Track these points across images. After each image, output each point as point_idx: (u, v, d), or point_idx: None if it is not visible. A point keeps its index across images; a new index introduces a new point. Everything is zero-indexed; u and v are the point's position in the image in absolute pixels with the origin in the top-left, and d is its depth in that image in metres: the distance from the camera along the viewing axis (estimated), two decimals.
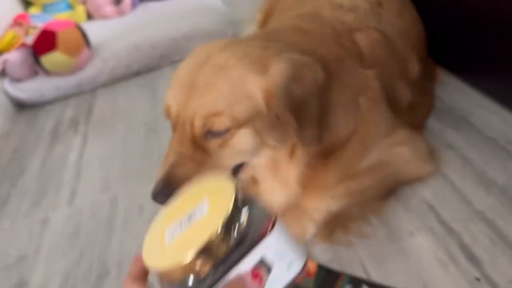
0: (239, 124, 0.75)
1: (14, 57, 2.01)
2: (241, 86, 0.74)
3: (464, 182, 0.97)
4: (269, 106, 0.75)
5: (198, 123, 0.74)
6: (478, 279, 0.78)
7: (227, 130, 0.75)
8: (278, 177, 0.88)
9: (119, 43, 2.10)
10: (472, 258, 0.81)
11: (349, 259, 0.88)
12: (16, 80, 2.05)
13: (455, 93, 1.24)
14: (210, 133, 0.75)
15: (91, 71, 2.04)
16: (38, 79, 2.05)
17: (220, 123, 0.74)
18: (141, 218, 1.15)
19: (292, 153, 0.85)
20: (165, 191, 0.73)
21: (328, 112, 0.85)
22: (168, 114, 0.79)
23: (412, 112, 1.12)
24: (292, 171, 0.87)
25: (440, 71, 1.34)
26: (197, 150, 0.75)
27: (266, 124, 0.77)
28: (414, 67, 1.18)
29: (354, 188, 0.93)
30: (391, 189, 0.98)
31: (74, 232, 1.17)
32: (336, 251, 0.88)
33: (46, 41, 1.96)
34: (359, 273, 0.85)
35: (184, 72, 0.77)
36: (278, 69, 0.75)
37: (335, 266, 0.87)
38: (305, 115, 0.78)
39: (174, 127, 0.78)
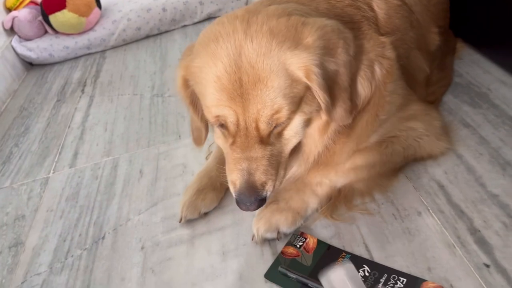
0: (295, 109, 0.73)
1: (23, 14, 1.97)
2: (286, 72, 0.70)
3: (479, 163, 0.91)
4: (310, 81, 0.71)
5: (264, 126, 0.72)
6: (487, 266, 0.73)
7: (288, 118, 0.73)
8: (301, 152, 0.84)
9: (130, 4, 2.04)
10: (482, 243, 0.77)
11: (351, 237, 0.84)
12: (25, 38, 2.01)
13: (475, 68, 1.17)
14: (274, 128, 0.73)
15: (101, 32, 2.00)
16: (47, 38, 2.01)
17: (283, 117, 0.72)
18: (140, 183, 1.12)
19: (323, 130, 0.81)
20: (251, 199, 0.74)
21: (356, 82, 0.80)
22: (223, 123, 0.74)
23: (429, 86, 1.06)
24: (316, 147, 0.83)
25: (460, 45, 1.26)
26: (263, 147, 0.73)
27: (309, 102, 0.74)
28: (434, 39, 1.11)
29: (361, 163, 0.88)
30: (400, 166, 0.93)
31: (74, 194, 1.15)
32: (338, 228, 0.85)
33: None
34: (361, 251, 0.81)
35: (221, 73, 0.70)
36: (311, 42, 0.71)
37: (336, 243, 0.84)
38: (338, 88, 0.74)
39: (235, 134, 0.74)
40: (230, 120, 0.72)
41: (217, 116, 0.73)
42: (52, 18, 1.92)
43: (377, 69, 0.83)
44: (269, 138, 0.74)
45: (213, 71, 0.70)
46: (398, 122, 0.91)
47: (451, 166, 0.92)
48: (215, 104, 0.72)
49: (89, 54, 2.03)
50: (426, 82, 1.05)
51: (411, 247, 0.79)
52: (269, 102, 0.69)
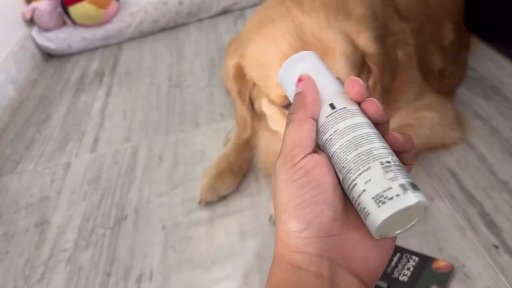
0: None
1: (43, 5, 2.02)
2: (349, 40, 0.71)
3: (490, 152, 0.94)
4: (367, 48, 0.74)
5: None
6: (496, 247, 0.76)
7: None
8: None
9: None
10: (492, 226, 0.80)
11: None
12: (44, 29, 2.06)
13: (488, 62, 1.20)
14: None
15: (118, 24, 2.04)
16: (65, 29, 2.06)
17: None
18: (160, 168, 1.17)
19: None
20: None
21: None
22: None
23: (443, 78, 1.09)
24: None
25: (474, 40, 1.29)
26: None
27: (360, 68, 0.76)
28: (448, 34, 1.14)
29: None
30: (413, 154, 0.96)
31: (96, 177, 1.20)
32: None
33: None
34: None
35: (287, 49, 0.71)
36: (361, 12, 0.73)
37: None
38: (385, 53, 0.77)
39: None
40: None
41: (282, 96, 0.74)
42: (72, 9, 1.97)
43: (399, 53, 0.86)
44: None
45: (277, 50, 0.71)
46: (413, 111, 0.94)
47: (463, 155, 0.95)
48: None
49: (107, 45, 2.08)
50: (440, 74, 1.08)
51: (423, 229, 0.82)
52: (340, 70, 0.71)
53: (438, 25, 1.11)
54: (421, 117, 0.95)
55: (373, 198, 0.33)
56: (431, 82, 1.01)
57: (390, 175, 0.33)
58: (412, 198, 0.33)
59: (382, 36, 0.77)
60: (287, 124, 0.37)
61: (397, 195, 0.32)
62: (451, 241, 0.79)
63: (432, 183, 0.91)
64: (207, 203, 1.00)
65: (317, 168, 0.35)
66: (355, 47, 0.73)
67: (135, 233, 0.99)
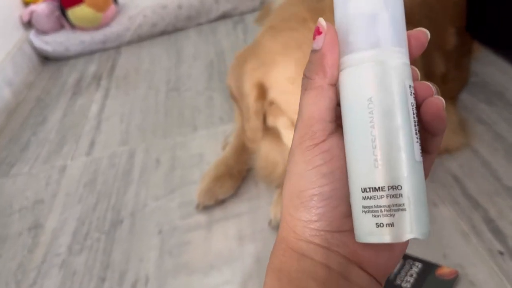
0: None
1: (41, 8, 2.00)
2: None
3: (494, 157, 0.93)
4: None
5: None
6: (501, 253, 0.75)
7: None
8: None
9: (146, 1, 2.07)
10: (497, 232, 0.78)
11: None
12: (42, 32, 2.05)
13: (491, 68, 1.19)
14: None
15: (116, 28, 2.03)
16: (63, 33, 2.04)
17: None
18: (157, 171, 1.14)
19: None
20: None
21: None
22: None
23: (445, 84, 1.08)
24: None
25: (476, 46, 1.28)
26: None
27: None
28: (450, 39, 1.13)
29: None
30: None
31: (91, 181, 1.18)
32: None
33: None
34: None
35: None
36: None
37: None
38: None
39: None
40: None
41: None
42: (70, 12, 1.96)
43: None
44: None
45: None
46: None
47: (467, 160, 0.94)
48: None
49: (105, 49, 2.06)
50: (442, 79, 1.07)
51: None
52: None
53: (441, 29, 1.10)
54: None
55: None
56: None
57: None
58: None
59: None
60: (303, 90, 0.32)
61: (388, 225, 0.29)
62: (455, 247, 0.77)
63: (435, 189, 0.89)
64: (205, 207, 0.98)
65: (342, 155, 0.30)
66: None
67: (131, 237, 0.97)
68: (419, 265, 0.75)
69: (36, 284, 0.91)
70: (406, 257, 0.77)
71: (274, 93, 0.77)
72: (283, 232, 0.33)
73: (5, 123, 1.58)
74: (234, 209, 0.97)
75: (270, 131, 0.90)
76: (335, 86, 0.31)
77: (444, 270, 0.74)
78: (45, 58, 2.08)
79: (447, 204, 0.85)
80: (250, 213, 0.95)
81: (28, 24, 2.04)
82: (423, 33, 0.32)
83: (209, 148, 1.19)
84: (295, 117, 0.75)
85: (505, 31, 1.18)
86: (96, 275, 0.90)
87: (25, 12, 2.00)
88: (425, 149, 0.31)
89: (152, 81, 1.66)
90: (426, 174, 0.32)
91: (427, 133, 0.31)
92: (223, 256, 0.87)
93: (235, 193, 1.00)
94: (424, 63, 0.95)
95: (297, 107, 0.33)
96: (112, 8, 2.00)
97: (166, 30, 2.05)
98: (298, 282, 0.31)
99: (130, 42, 2.06)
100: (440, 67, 1.05)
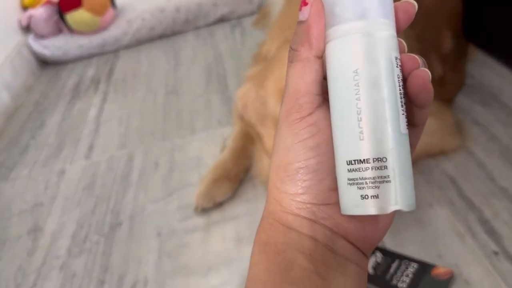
0: None
1: (39, 13, 2.01)
2: None
3: (489, 158, 0.94)
4: None
5: None
6: (496, 253, 0.75)
7: None
8: None
9: (144, 4, 2.08)
10: (492, 232, 0.79)
11: None
12: (40, 36, 2.06)
13: (486, 70, 1.20)
14: None
15: (115, 32, 2.04)
16: (62, 37, 2.05)
17: None
18: (155, 174, 1.15)
19: None
20: None
21: None
22: None
23: (442, 86, 1.09)
24: None
25: (472, 48, 1.29)
26: None
27: None
28: (447, 42, 1.14)
29: None
30: (412, 160, 0.96)
31: (90, 184, 1.18)
32: None
33: None
34: None
35: None
36: None
37: None
38: None
39: None
40: None
41: None
42: (68, 16, 1.96)
43: None
44: None
45: None
46: None
47: (462, 162, 0.95)
48: None
49: (103, 53, 2.07)
50: (439, 82, 1.08)
51: (423, 236, 0.81)
52: None
53: (437, 33, 1.11)
54: None
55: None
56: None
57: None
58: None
59: None
60: (289, 62, 0.32)
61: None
62: (450, 247, 0.78)
63: (431, 190, 0.90)
64: (203, 210, 0.99)
65: (328, 128, 0.30)
66: None
67: (130, 239, 0.98)
68: (415, 265, 0.76)
69: (35, 286, 0.92)
70: (402, 258, 0.78)
71: None
72: (269, 206, 0.33)
73: (4, 127, 1.59)
74: (232, 211, 0.98)
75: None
76: (322, 59, 0.31)
77: (440, 270, 0.74)
78: (43, 62, 2.08)
79: (443, 205, 0.86)
80: (248, 215, 0.96)
81: (27, 29, 2.05)
82: (411, 5, 0.32)
83: (208, 151, 1.20)
84: None
85: (501, 34, 1.19)
86: (96, 277, 0.90)
87: (24, 17, 2.01)
88: (412, 122, 0.31)
89: (151, 85, 1.67)
90: (413, 148, 0.32)
91: (413, 105, 0.31)
92: (221, 257, 0.88)
93: (233, 195, 1.01)
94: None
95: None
96: (110, 12, 2.01)
97: (164, 34, 2.06)
98: (284, 254, 0.31)
99: (128, 46, 2.07)
100: (437, 69, 1.07)
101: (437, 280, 0.73)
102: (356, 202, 0.29)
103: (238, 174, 1.03)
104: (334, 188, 0.31)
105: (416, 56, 0.31)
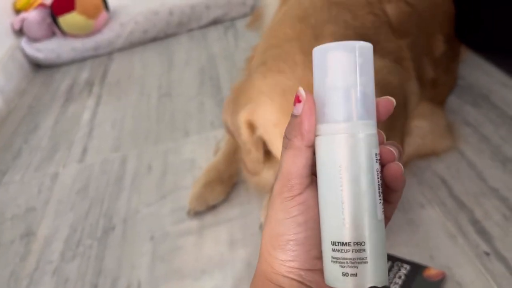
0: None
1: (32, 16, 2.01)
2: None
3: (480, 159, 0.94)
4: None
5: None
6: (487, 254, 0.76)
7: None
8: None
9: (138, 7, 2.08)
10: (483, 233, 0.79)
11: None
12: (33, 39, 2.05)
13: (477, 71, 1.21)
14: None
15: (108, 35, 2.03)
16: (55, 40, 2.05)
17: None
18: (149, 177, 1.15)
19: None
20: None
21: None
22: None
23: (434, 88, 1.10)
24: None
25: (463, 49, 1.30)
26: None
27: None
28: (439, 46, 1.15)
29: None
30: (404, 162, 0.96)
31: (84, 187, 1.18)
32: None
33: (64, 1, 1.95)
34: None
35: None
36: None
37: None
38: (392, 130, 0.77)
39: None
40: None
41: None
42: (61, 19, 1.96)
43: (398, 68, 0.87)
44: None
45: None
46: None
47: (453, 162, 0.95)
48: None
49: (96, 56, 2.07)
50: (431, 84, 1.08)
51: (414, 237, 0.82)
52: None
53: (430, 37, 1.11)
54: (412, 126, 0.95)
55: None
56: (423, 91, 1.01)
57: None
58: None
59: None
60: (283, 148, 0.36)
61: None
62: (442, 248, 0.79)
63: (423, 190, 0.91)
64: (197, 213, 0.99)
65: (316, 206, 0.35)
66: None
67: (123, 243, 0.97)
68: (407, 267, 0.76)
69: None
70: (394, 259, 0.78)
71: (261, 131, 0.80)
72: (262, 266, 0.38)
73: None
74: (225, 214, 0.98)
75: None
76: (312, 147, 0.35)
77: (432, 272, 0.75)
78: (36, 66, 2.08)
79: (434, 205, 0.87)
80: (241, 218, 0.96)
81: (20, 32, 2.05)
82: (390, 102, 0.36)
83: (201, 153, 1.20)
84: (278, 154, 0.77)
85: (494, 36, 1.20)
86: (89, 281, 0.90)
87: (16, 20, 2.01)
88: (387, 200, 0.36)
89: (144, 87, 1.67)
90: (388, 219, 0.37)
91: (389, 189, 0.36)
92: (214, 261, 0.88)
93: (226, 198, 1.01)
94: (415, 68, 0.97)
95: (280, 148, 0.37)
96: (104, 15, 2.01)
97: (158, 36, 2.06)
98: None
99: (121, 49, 2.06)
100: (430, 73, 1.07)
101: (429, 282, 0.74)
102: (337, 277, 0.33)
103: (231, 176, 1.03)
104: (319, 257, 0.35)
105: (393, 149, 0.35)
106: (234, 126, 0.85)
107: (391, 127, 0.77)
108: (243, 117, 0.79)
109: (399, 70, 0.88)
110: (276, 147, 0.78)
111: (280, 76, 0.74)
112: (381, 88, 0.73)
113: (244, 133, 0.82)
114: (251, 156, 0.86)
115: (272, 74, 0.75)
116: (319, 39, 0.78)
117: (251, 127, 0.79)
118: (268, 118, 0.75)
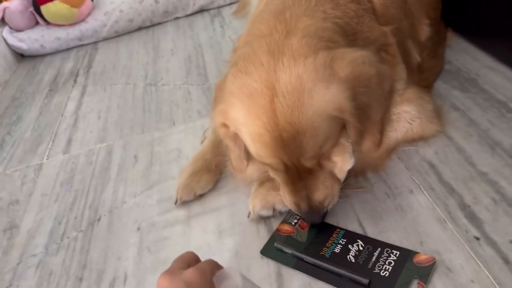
0: (336, 140, 0.77)
1: (14, 5, 1.96)
2: (322, 118, 0.70)
3: (468, 143, 0.93)
4: (344, 117, 0.72)
5: (308, 164, 0.75)
6: (477, 238, 0.75)
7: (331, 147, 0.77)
8: None
9: None
10: (472, 217, 0.79)
11: (345, 214, 0.86)
12: (16, 29, 2.01)
13: (464, 55, 1.20)
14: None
15: (92, 24, 2.00)
16: (38, 29, 2.01)
17: (326, 151, 0.76)
18: (135, 167, 1.13)
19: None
20: (317, 215, 0.79)
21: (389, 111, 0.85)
22: (272, 167, 0.79)
23: (421, 73, 1.09)
24: None
25: (450, 33, 1.29)
26: (315, 175, 0.77)
27: (351, 130, 0.75)
28: (424, 30, 1.13)
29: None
30: (392, 147, 0.95)
31: (68, 179, 1.16)
32: (333, 206, 0.86)
33: None
34: (355, 228, 0.83)
35: (262, 131, 0.71)
36: (343, 77, 0.71)
37: (331, 220, 0.85)
38: (369, 121, 0.76)
39: (285, 171, 0.77)
40: (277, 165, 0.76)
41: (264, 164, 0.78)
42: (44, 8, 1.92)
43: (383, 55, 0.86)
44: (319, 165, 0.77)
45: (254, 128, 0.72)
46: (393, 106, 0.92)
47: (442, 147, 0.94)
48: (261, 156, 0.75)
49: (81, 45, 2.03)
50: (418, 69, 1.07)
51: (404, 223, 0.81)
52: (310, 148, 0.72)
53: (415, 21, 1.10)
54: (400, 111, 0.93)
55: None
56: (410, 76, 1.00)
57: None
58: None
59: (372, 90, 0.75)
60: None
61: None
62: (432, 234, 0.78)
63: (411, 175, 0.90)
64: (184, 203, 0.97)
65: None
66: (333, 119, 0.72)
67: (109, 235, 0.96)
68: (397, 253, 0.76)
69: (12, 286, 0.90)
70: (384, 246, 0.78)
71: (232, 129, 0.79)
72: None
73: None
74: (213, 203, 0.97)
75: None
76: None
77: (421, 257, 0.74)
78: (20, 56, 2.04)
79: (423, 191, 0.86)
80: (229, 207, 0.95)
81: (1, 21, 2.00)
82: None
83: (187, 143, 1.18)
84: (253, 154, 0.77)
85: (481, 19, 1.19)
86: (74, 275, 0.88)
87: None
88: None
89: (130, 76, 1.64)
90: None
91: None
92: (202, 251, 0.85)
93: (214, 187, 1.00)
94: (401, 53, 0.95)
95: (252, 149, 0.37)
96: (88, 3, 1.97)
97: (143, 25, 2.03)
98: None
99: (106, 38, 2.03)
100: (416, 58, 1.06)
101: (419, 267, 0.73)
102: None
103: (219, 165, 1.02)
104: None
105: None
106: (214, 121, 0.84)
107: (368, 118, 0.75)
108: (217, 117, 0.79)
109: (381, 59, 0.86)
110: (248, 145, 0.77)
111: (248, 77, 0.74)
112: (354, 79, 0.73)
113: (221, 132, 0.82)
114: (234, 155, 0.85)
115: (240, 75, 0.75)
116: (290, 36, 0.76)
117: (226, 126, 0.79)
118: (237, 119, 0.75)
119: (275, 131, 0.70)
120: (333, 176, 0.80)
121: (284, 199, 0.81)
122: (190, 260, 0.66)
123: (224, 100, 0.77)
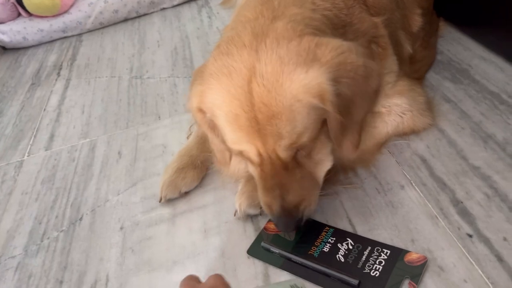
0: (316, 133, 0.72)
1: None
2: (300, 104, 0.67)
3: (460, 136, 0.91)
4: (325, 105, 0.68)
5: (284, 154, 0.70)
6: (470, 236, 0.73)
7: (311, 142, 0.72)
8: None
9: None
10: (465, 214, 0.76)
11: (334, 212, 0.83)
12: None
13: (456, 45, 1.17)
14: (298, 151, 0.72)
15: (76, 15, 1.94)
16: (20, 21, 1.95)
17: (303, 143, 0.71)
18: (118, 164, 1.10)
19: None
20: (291, 220, 0.73)
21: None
22: (247, 156, 0.74)
23: (413, 64, 1.06)
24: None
25: (441, 23, 1.26)
26: (291, 172, 0.72)
27: (332, 124, 0.71)
28: (416, 20, 1.10)
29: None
30: (383, 141, 0.93)
31: (50, 176, 1.12)
32: (321, 203, 0.83)
33: None
34: (344, 226, 0.80)
35: (238, 111, 0.68)
36: (325, 62, 0.68)
37: (319, 218, 0.82)
38: (350, 118, 0.72)
39: (260, 163, 0.73)
40: (252, 153, 0.72)
41: (239, 151, 0.73)
42: None
43: (374, 48, 0.83)
44: (295, 162, 0.73)
45: (230, 109, 0.69)
46: (384, 99, 0.90)
47: (433, 140, 0.92)
48: (235, 141, 0.72)
49: (65, 37, 1.98)
50: (410, 60, 1.04)
51: (394, 219, 0.78)
52: (286, 134, 0.68)
53: (406, 11, 1.07)
54: (391, 104, 0.91)
55: None
56: (402, 68, 0.97)
57: None
58: None
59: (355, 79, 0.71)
60: None
61: None
62: (423, 231, 0.75)
63: (402, 170, 0.87)
64: (168, 200, 0.94)
65: None
66: (312, 107, 0.68)
67: (91, 234, 0.92)
68: (387, 252, 0.73)
69: None
70: (374, 244, 0.75)
71: (208, 115, 0.76)
72: None
73: None
74: (198, 201, 0.94)
75: None
76: None
77: (413, 256, 0.72)
78: (2, 48, 1.98)
79: (415, 186, 0.83)
80: (215, 204, 0.92)
81: None
82: None
83: (173, 138, 1.14)
84: (227, 140, 0.73)
85: (470, 8, 1.16)
86: (54, 277, 0.85)
87: None
88: None
89: (115, 69, 1.59)
90: None
91: None
92: (186, 250, 0.84)
93: (200, 184, 0.97)
94: (392, 44, 0.92)
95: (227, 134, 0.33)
96: None
97: (129, 17, 1.98)
98: None
99: (91, 30, 1.98)
100: (408, 49, 1.03)
101: (411, 267, 0.70)
102: None
103: (205, 161, 0.99)
104: None
105: None
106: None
107: (349, 114, 0.72)
108: (193, 102, 0.76)
109: (371, 53, 0.83)
110: (224, 131, 0.73)
111: (228, 58, 0.71)
112: (337, 65, 0.69)
113: (197, 118, 0.78)
114: (216, 146, 0.82)
115: (221, 56, 0.72)
116: (276, 21, 0.73)
117: (202, 111, 0.75)
118: (213, 102, 0.72)
119: (251, 111, 0.68)
120: (312, 179, 0.75)
121: (260, 200, 0.76)
122: (194, 280, 0.61)
123: (203, 81, 0.74)
